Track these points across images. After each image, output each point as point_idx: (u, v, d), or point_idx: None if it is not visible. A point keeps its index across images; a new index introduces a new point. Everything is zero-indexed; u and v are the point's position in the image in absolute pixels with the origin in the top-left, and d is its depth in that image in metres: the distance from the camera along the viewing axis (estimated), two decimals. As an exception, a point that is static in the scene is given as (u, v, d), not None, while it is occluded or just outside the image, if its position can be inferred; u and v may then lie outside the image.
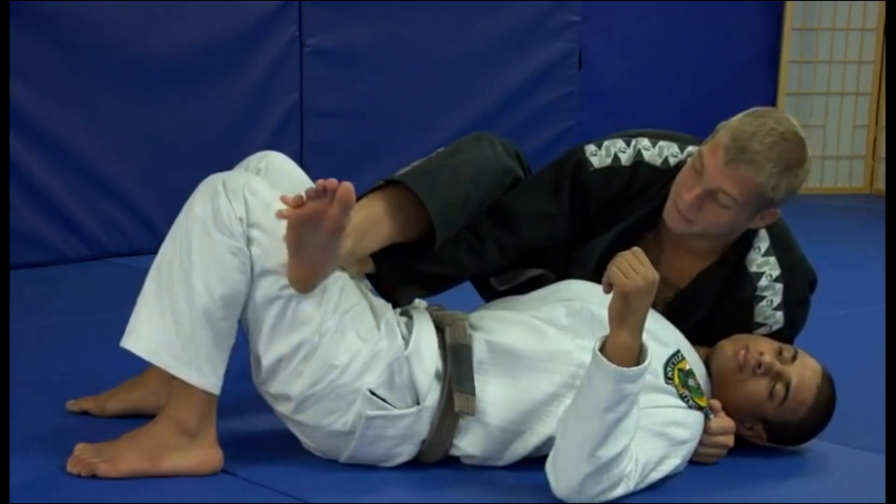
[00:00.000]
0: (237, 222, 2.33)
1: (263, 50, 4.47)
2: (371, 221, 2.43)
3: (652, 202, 2.59)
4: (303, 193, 2.26)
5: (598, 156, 2.62)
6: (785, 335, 2.64)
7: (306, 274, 2.33)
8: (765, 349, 2.52)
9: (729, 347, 2.56)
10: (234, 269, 2.33)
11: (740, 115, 2.51)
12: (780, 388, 2.50)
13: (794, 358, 2.52)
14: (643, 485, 2.34)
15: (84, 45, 4.11)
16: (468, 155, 2.55)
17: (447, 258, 2.57)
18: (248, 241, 2.34)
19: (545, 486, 2.30)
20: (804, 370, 2.53)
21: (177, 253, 2.35)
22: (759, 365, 2.50)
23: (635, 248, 2.28)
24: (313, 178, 2.71)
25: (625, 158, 2.61)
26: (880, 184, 6.01)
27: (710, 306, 2.63)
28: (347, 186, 2.26)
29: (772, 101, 5.95)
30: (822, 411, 2.56)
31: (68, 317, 3.54)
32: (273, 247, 2.34)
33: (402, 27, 4.78)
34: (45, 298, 3.70)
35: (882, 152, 5.98)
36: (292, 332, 2.36)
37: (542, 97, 5.15)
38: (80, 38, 4.10)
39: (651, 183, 2.60)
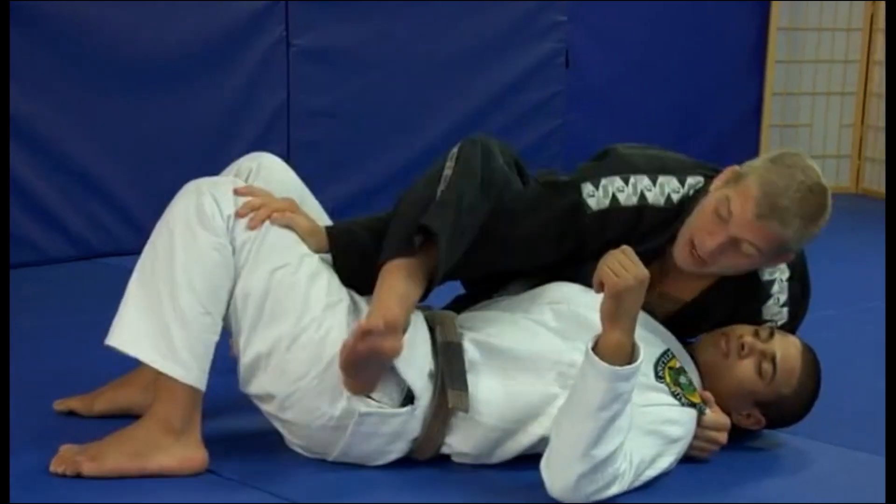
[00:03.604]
0: (221, 219, 2.36)
1: (250, 50, 4.46)
2: (404, 298, 2.37)
3: (658, 238, 2.53)
4: (350, 339, 2.28)
5: (596, 197, 2.52)
6: (789, 328, 2.67)
7: (365, 386, 2.36)
8: (742, 332, 2.57)
9: (708, 340, 2.60)
10: (217, 265, 2.35)
11: (767, 160, 2.47)
12: (766, 365, 2.54)
13: (770, 335, 2.57)
14: (637, 483, 2.35)
15: (71, 45, 4.09)
16: (473, 190, 2.44)
17: None
18: (233, 238, 2.36)
19: (538, 485, 2.30)
20: (784, 343, 2.58)
21: (160, 250, 2.37)
22: (743, 346, 2.54)
23: (624, 247, 2.28)
24: (302, 177, 2.72)
25: (623, 199, 2.52)
26: (866, 183, 6.02)
27: (722, 317, 2.64)
28: (393, 316, 2.27)
29: (758, 100, 5.95)
30: (811, 378, 2.60)
31: (55, 317, 3.53)
32: (255, 244, 2.36)
33: (390, 27, 4.77)
34: (32, 299, 3.68)
35: (868, 152, 6.00)
36: (271, 326, 2.36)
37: (530, 97, 5.14)
38: (67, 39, 4.09)
39: (658, 224, 2.53)
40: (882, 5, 5.85)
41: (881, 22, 5.85)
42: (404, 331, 2.38)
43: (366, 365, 2.29)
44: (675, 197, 2.54)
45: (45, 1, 4.01)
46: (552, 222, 2.53)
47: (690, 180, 2.56)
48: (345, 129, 4.73)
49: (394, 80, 4.80)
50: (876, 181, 5.94)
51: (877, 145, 5.94)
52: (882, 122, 5.85)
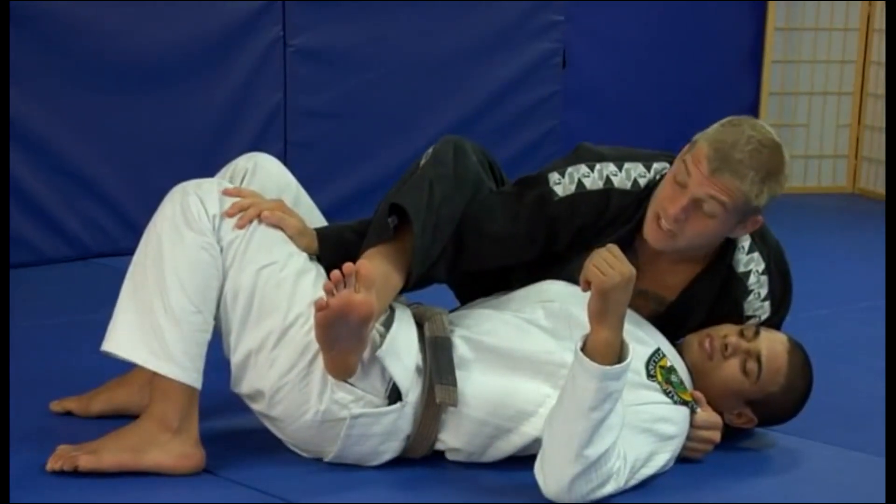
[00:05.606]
0: (207, 219, 2.38)
1: (247, 50, 4.46)
2: (382, 278, 2.41)
3: (629, 224, 2.56)
4: (323, 295, 2.26)
5: (562, 184, 2.57)
6: (773, 322, 2.68)
7: (344, 364, 2.34)
8: (727, 332, 2.57)
9: (694, 340, 2.60)
10: (206, 264, 2.37)
11: (717, 125, 2.50)
12: (751, 363, 2.54)
13: (756, 334, 2.56)
14: (633, 482, 2.35)
15: (67, 45, 4.09)
16: (449, 186, 2.51)
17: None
18: (220, 238, 2.39)
19: (532, 486, 2.30)
20: (771, 341, 2.57)
21: (149, 254, 2.39)
22: (726, 347, 2.54)
23: (610, 245, 2.30)
24: (298, 177, 2.72)
25: (589, 183, 2.56)
26: (863, 183, 6.03)
27: (703, 316, 2.64)
28: (365, 266, 2.27)
29: (755, 100, 5.96)
30: (801, 375, 2.60)
31: (51, 317, 3.53)
32: (242, 242, 2.38)
33: (386, 27, 4.77)
34: (28, 299, 3.68)
35: (865, 152, 6.00)
36: (259, 323, 2.38)
37: (527, 97, 5.15)
38: (63, 39, 4.09)
39: (625, 207, 2.56)
40: (879, 5, 5.85)
41: (878, 22, 5.86)
42: (389, 325, 2.40)
43: (339, 327, 2.26)
44: (642, 181, 2.58)
45: (40, 1, 4.01)
46: (522, 214, 2.57)
47: (657, 165, 2.60)
48: (341, 129, 4.73)
49: (390, 81, 4.80)
50: (872, 181, 5.94)
51: (873, 145, 5.94)
52: (879, 123, 5.85)
